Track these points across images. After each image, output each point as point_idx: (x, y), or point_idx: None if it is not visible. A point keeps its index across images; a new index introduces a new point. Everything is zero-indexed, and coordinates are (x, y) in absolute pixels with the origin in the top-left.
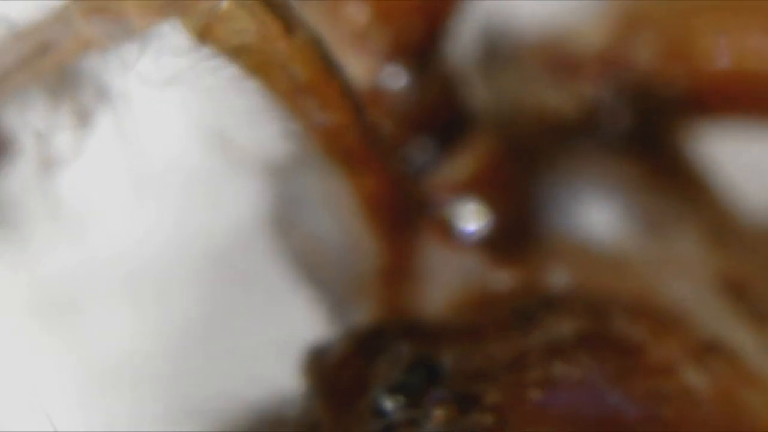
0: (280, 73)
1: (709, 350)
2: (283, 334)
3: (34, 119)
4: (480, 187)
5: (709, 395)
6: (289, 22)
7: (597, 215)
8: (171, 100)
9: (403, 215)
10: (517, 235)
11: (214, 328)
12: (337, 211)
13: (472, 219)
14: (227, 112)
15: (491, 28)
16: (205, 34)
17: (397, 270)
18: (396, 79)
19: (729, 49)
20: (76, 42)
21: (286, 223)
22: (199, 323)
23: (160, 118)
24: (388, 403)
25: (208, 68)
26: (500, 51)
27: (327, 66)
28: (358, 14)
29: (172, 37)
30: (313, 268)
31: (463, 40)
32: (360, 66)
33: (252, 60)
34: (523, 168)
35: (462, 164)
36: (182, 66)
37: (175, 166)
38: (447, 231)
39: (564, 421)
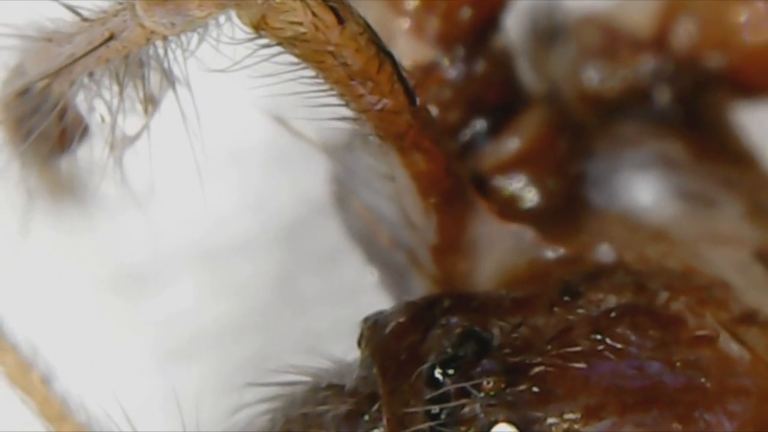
0: (333, 61)
1: (748, 321)
2: (352, 307)
3: (102, 103)
4: (530, 164)
5: (748, 365)
6: (340, 13)
7: (643, 190)
8: (234, 86)
9: (455, 192)
10: (565, 210)
11: (285, 301)
12: (391, 187)
13: (522, 195)
14: (287, 96)
15: (539, 9)
16: (260, 25)
17: (450, 244)
18: (448, 63)
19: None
20: (139, 32)
21: (343, 200)
22: (269, 298)
23: (225, 102)
24: (440, 375)
25: (265, 56)
26: (548, 31)
27: (378, 53)
28: (412, 3)
29: (231, 28)
30: (369, 242)
31: (512, 21)
32: (414, 51)
33: (306, 49)
34: (571, 145)
35: (512, 142)
36: (242, 54)
37: (245, 147)
38: (498, 207)
39: (607, 392)
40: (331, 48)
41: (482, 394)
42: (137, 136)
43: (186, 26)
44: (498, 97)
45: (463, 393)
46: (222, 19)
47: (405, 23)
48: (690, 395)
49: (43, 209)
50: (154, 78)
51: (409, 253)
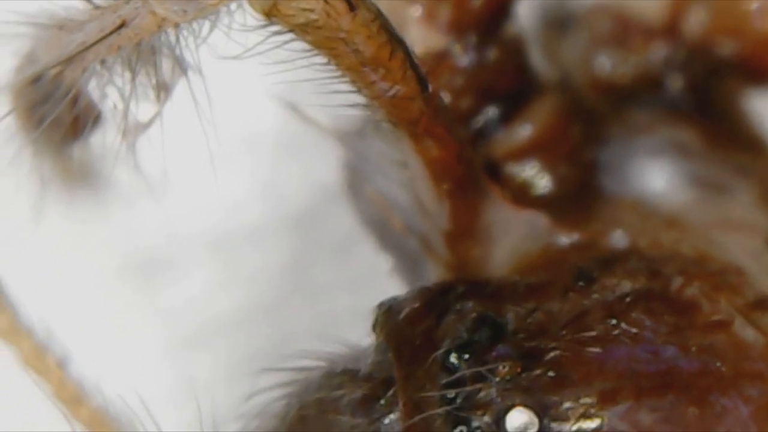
0: (345, 47)
1: (762, 306)
2: (365, 294)
3: (115, 90)
4: (543, 150)
5: (763, 349)
6: (351, 0)
7: (655, 177)
8: (246, 73)
9: (467, 178)
10: (577, 197)
11: (298, 288)
12: (404, 174)
13: (535, 182)
14: (299, 83)
15: None
16: (271, 13)
17: (463, 231)
18: (460, 50)
19: None
20: (151, 19)
21: (356, 186)
22: (283, 285)
23: (238, 89)
24: (455, 360)
25: (277, 43)
26: (560, 19)
27: (390, 40)
28: None
29: (242, 14)
30: (382, 229)
31: (524, 8)
32: (426, 39)
33: (318, 36)
34: (584, 132)
35: (525, 129)
36: (254, 41)
37: (258, 134)
38: (511, 194)
39: (621, 376)
40: (342, 35)
41: (498, 379)
42: (150, 123)
43: (197, 13)
44: (510, 85)
45: (479, 378)
46: (233, 6)
47: (417, 11)
48: (705, 380)
49: (55, 196)
50: (166, 65)
51: (422, 240)
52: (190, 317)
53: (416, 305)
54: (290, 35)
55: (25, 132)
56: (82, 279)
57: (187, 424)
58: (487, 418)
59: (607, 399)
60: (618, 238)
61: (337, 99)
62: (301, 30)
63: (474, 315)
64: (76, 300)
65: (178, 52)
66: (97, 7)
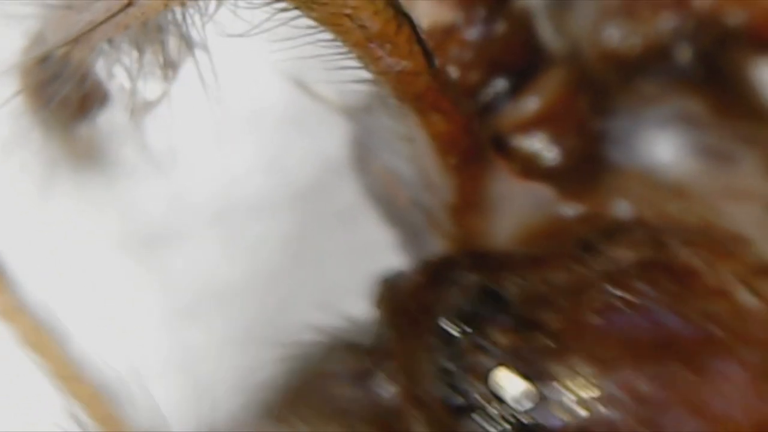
0: (351, 23)
1: (764, 273)
2: (368, 267)
3: (122, 69)
4: (549, 122)
5: (762, 315)
6: None
7: (663, 147)
8: (252, 50)
9: (473, 152)
10: (584, 168)
11: (300, 260)
12: (410, 148)
13: (542, 154)
14: (304, 59)
15: None
16: None
17: (468, 204)
18: (468, 23)
19: None
20: None
21: (363, 161)
22: (285, 258)
23: (244, 65)
24: (454, 331)
25: (283, 19)
26: None
27: (396, 15)
28: None
29: None
30: (388, 203)
31: None
32: (434, 13)
33: (323, 12)
34: (591, 103)
35: (532, 101)
36: (259, 18)
37: (263, 109)
38: (517, 166)
39: (622, 345)
40: (348, 11)
41: (496, 349)
42: (157, 101)
43: None
44: (519, 58)
45: (477, 348)
46: None
47: None
48: (704, 347)
49: (61, 174)
50: (173, 43)
51: (427, 214)
52: (192, 289)
53: (418, 278)
54: (296, 12)
55: (32, 111)
56: (85, 253)
57: (186, 395)
58: (483, 389)
59: (605, 367)
60: (623, 209)
61: (343, 75)
62: (307, 6)
63: (475, 287)
64: (78, 273)
65: (184, 30)
66: None
